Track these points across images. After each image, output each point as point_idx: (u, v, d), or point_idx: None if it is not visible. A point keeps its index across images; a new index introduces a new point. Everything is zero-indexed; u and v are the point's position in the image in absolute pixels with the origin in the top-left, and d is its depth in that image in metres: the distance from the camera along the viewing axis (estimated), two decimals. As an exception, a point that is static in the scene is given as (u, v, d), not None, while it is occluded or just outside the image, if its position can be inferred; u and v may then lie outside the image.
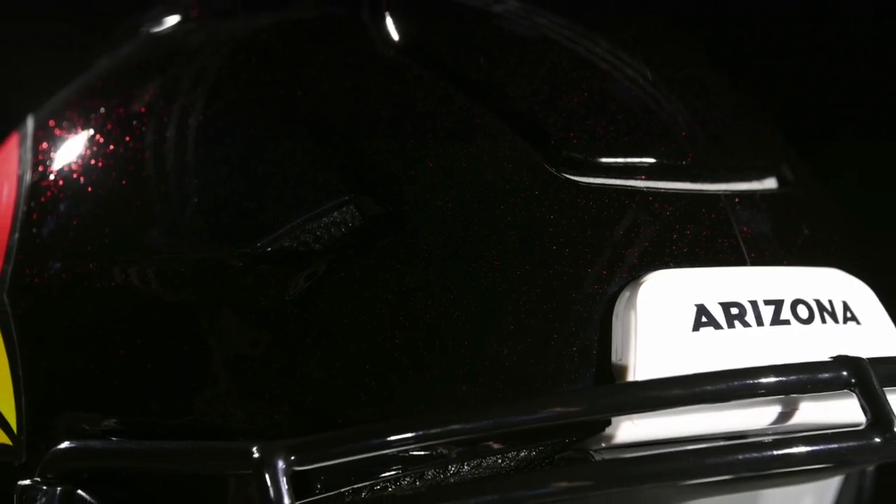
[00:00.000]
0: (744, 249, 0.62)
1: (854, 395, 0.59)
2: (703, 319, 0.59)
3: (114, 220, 0.64)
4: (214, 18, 0.70)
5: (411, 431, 0.56)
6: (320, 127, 0.62)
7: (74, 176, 0.66)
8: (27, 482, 0.62)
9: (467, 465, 0.59)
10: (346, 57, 0.65)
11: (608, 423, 0.58)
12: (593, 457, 0.59)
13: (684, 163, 0.63)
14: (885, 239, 1.02)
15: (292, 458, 0.56)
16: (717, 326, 0.59)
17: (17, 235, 0.66)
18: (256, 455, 0.56)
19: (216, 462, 0.59)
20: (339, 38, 0.66)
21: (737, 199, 0.63)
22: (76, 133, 0.67)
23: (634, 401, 0.57)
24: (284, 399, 0.59)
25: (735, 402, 0.58)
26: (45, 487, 0.61)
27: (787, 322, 0.60)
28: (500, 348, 0.58)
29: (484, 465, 0.59)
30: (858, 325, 0.62)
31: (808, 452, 0.57)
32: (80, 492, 0.61)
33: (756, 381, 0.58)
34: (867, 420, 0.58)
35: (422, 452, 0.58)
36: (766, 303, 0.60)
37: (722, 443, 0.58)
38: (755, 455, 0.57)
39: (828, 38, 1.13)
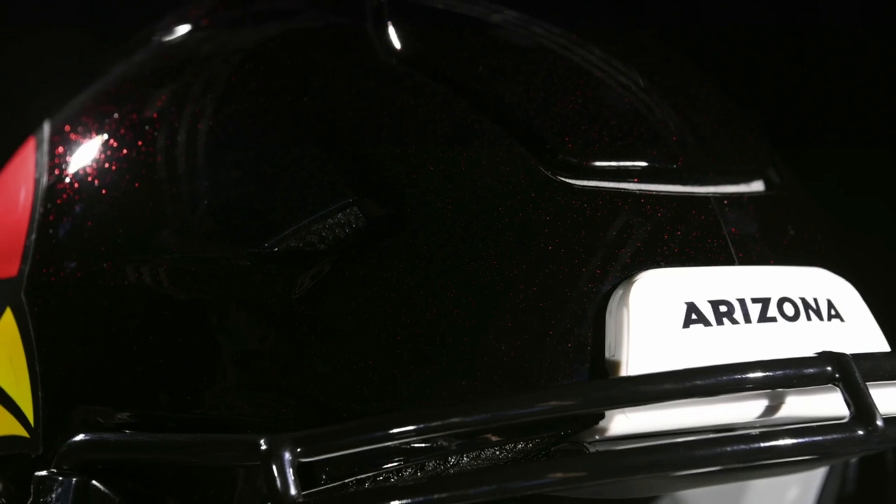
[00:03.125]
0: (732, 249, 0.63)
1: (838, 389, 0.59)
2: (693, 317, 0.60)
3: (127, 222, 0.64)
4: (224, 28, 0.71)
5: (412, 424, 0.57)
6: (325, 132, 0.63)
7: (89, 179, 0.66)
8: (43, 473, 0.63)
9: (466, 456, 0.60)
10: (351, 65, 0.65)
11: (602, 416, 0.59)
12: (587, 449, 0.59)
13: (675, 166, 0.64)
14: (862, 239, 1.03)
15: (298, 449, 0.56)
16: (707, 323, 0.60)
17: (34, 236, 0.67)
18: (264, 447, 0.57)
19: (225, 454, 0.59)
20: (344, 48, 0.66)
21: (725, 201, 0.64)
22: (91, 137, 0.68)
23: (627, 395, 0.58)
24: (291, 393, 0.60)
25: (723, 396, 0.59)
26: (60, 478, 0.62)
27: (773, 319, 0.61)
28: (498, 344, 0.59)
29: (482, 456, 0.60)
30: (842, 322, 0.63)
31: (793, 444, 0.58)
32: (94, 482, 0.62)
33: (744, 376, 0.58)
34: (850, 413, 0.59)
35: (423, 444, 0.59)
36: (754, 301, 0.61)
37: (711, 435, 0.59)
38: (743, 447, 0.57)
39: (809, 49, 1.13)
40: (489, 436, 0.59)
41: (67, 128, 0.69)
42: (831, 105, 1.12)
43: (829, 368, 0.60)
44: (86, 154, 0.67)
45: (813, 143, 1.10)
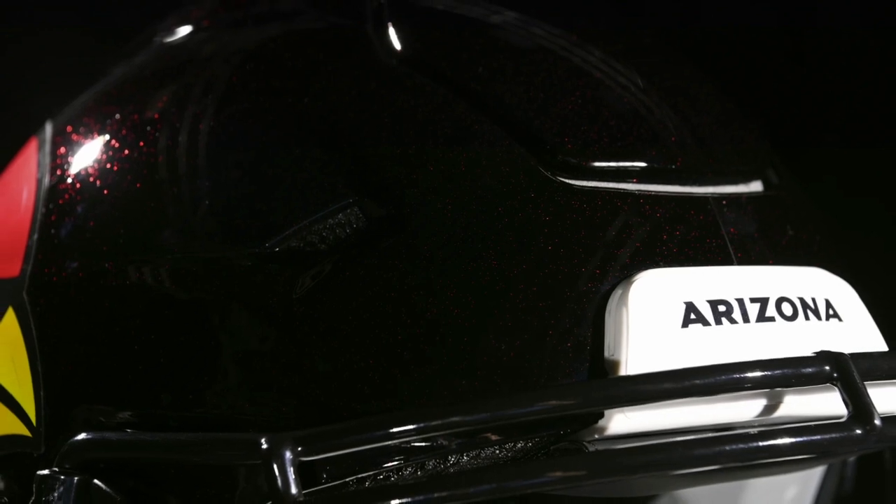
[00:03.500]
0: (731, 249, 0.63)
1: (836, 388, 0.59)
2: (692, 316, 0.60)
3: (128, 222, 0.64)
4: (225, 29, 0.71)
5: (413, 423, 0.57)
6: (326, 133, 0.63)
7: (91, 179, 0.66)
8: (45, 472, 0.63)
9: (466, 455, 0.60)
10: (351, 66, 0.66)
11: (601, 415, 0.59)
12: (587, 448, 0.59)
13: (674, 167, 0.64)
14: (861, 240, 1.03)
15: (299, 448, 0.57)
16: (706, 323, 0.60)
17: (36, 236, 0.67)
18: (265, 446, 0.57)
19: (226, 453, 0.60)
20: (345, 49, 0.67)
21: (724, 202, 0.64)
22: (92, 138, 0.68)
23: (626, 394, 0.58)
24: (291, 392, 0.60)
25: (722, 395, 0.59)
26: (62, 477, 0.62)
27: (772, 319, 0.61)
28: (497, 344, 0.59)
29: (482, 455, 0.60)
30: (840, 322, 0.63)
31: (791, 444, 0.58)
32: (96, 481, 0.62)
33: (742, 376, 0.59)
34: (848, 413, 0.59)
35: (423, 443, 0.59)
36: (752, 300, 0.61)
37: (709, 434, 0.59)
38: (741, 446, 0.58)
39: (809, 49, 1.14)
40: (489, 435, 0.59)
41: (69, 128, 0.70)
42: (831, 105, 1.13)
43: (827, 368, 0.60)
44: (87, 154, 0.68)
45: (812, 143, 1.10)
